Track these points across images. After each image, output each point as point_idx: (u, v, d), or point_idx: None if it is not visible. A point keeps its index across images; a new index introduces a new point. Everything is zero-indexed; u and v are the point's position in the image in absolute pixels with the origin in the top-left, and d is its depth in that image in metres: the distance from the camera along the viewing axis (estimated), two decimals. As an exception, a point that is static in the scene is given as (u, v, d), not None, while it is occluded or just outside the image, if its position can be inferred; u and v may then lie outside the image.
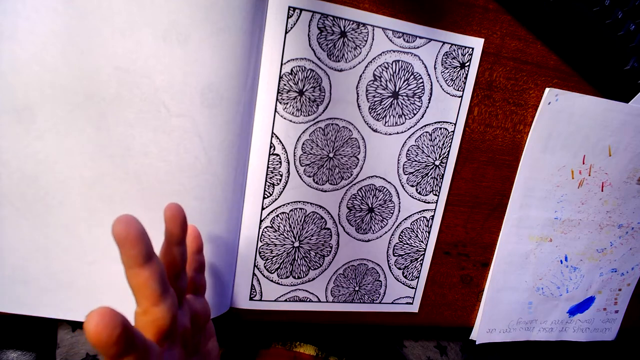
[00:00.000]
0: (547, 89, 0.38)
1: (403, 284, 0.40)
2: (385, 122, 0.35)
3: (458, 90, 0.36)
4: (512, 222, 0.41)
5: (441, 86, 0.36)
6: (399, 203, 0.38)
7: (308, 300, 0.38)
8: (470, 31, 0.36)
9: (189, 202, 0.30)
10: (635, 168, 0.43)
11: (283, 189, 0.34)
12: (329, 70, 0.33)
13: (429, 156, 0.37)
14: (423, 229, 0.39)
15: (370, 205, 0.37)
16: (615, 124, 0.40)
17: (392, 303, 0.40)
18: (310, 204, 0.35)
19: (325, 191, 0.35)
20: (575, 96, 0.39)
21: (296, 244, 0.36)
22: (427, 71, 0.35)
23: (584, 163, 0.41)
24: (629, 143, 0.42)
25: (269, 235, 0.35)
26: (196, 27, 0.28)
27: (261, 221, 0.35)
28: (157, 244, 0.31)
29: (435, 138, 0.37)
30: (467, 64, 0.36)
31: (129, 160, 0.29)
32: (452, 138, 0.37)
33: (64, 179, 0.28)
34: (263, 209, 0.34)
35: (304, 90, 0.33)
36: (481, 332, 0.43)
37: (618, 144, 0.41)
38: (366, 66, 0.34)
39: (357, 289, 0.39)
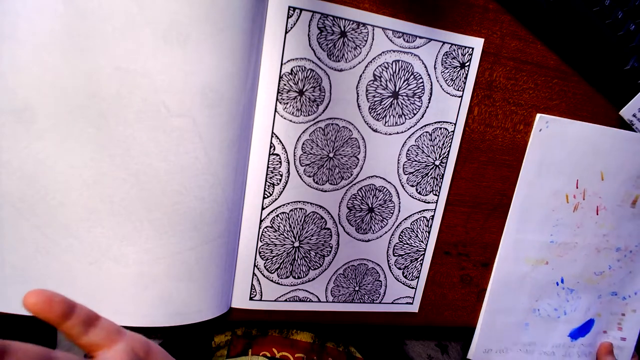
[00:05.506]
0: (537, 116, 0.39)
1: (403, 284, 0.40)
2: (385, 122, 0.35)
3: (458, 90, 0.36)
4: (508, 245, 0.41)
5: (441, 86, 0.36)
6: (399, 203, 0.38)
7: (308, 300, 0.38)
8: (470, 31, 0.36)
9: (189, 202, 0.30)
10: (627, 192, 0.43)
11: (283, 189, 0.34)
12: (329, 70, 0.33)
13: (429, 156, 0.37)
14: (423, 229, 0.39)
15: (370, 205, 0.37)
16: (605, 149, 0.41)
17: (392, 303, 0.40)
18: (310, 204, 0.35)
19: (325, 191, 0.35)
20: (565, 122, 0.39)
21: (296, 244, 0.36)
22: (427, 71, 0.35)
23: (577, 187, 0.41)
24: (620, 167, 0.42)
25: (269, 235, 0.35)
26: (196, 27, 0.28)
27: (261, 221, 0.35)
28: (157, 244, 0.31)
29: (435, 138, 0.37)
30: (467, 64, 0.36)
31: (129, 160, 0.29)
32: (452, 138, 0.37)
33: (64, 179, 0.28)
34: (263, 209, 0.34)
35: (304, 90, 0.33)
36: (477, 352, 0.43)
37: (609, 169, 0.42)
38: (366, 66, 0.34)
39: (357, 289, 0.39)
